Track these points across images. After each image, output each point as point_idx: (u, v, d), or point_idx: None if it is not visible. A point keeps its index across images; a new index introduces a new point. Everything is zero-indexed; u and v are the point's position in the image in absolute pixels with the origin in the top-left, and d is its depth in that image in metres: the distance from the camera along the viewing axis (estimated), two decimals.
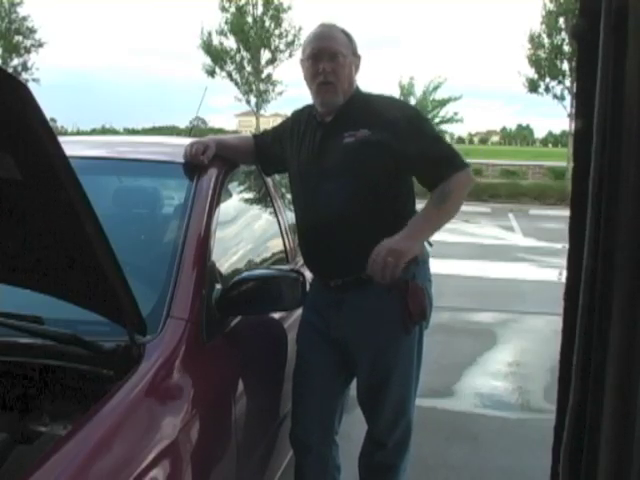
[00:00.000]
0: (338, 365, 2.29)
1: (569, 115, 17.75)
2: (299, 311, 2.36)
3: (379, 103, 2.27)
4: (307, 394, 2.29)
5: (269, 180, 2.91)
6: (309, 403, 2.28)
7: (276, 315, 2.39)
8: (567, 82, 18.15)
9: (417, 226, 2.09)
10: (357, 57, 2.30)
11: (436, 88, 21.08)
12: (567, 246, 0.80)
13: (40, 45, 21.78)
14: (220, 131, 23.58)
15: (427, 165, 2.13)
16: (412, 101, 21.18)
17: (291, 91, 20.71)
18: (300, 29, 19.82)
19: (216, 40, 20.12)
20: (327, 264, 2.24)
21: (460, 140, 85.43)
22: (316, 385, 2.27)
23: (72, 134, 21.78)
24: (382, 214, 2.13)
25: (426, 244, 2.31)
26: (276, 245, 2.79)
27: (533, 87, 18.99)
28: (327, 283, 2.24)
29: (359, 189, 2.10)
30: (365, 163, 2.12)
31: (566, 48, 17.99)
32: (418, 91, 21.39)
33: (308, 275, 2.27)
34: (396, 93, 21.32)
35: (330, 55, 2.19)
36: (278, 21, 20.00)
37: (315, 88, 2.22)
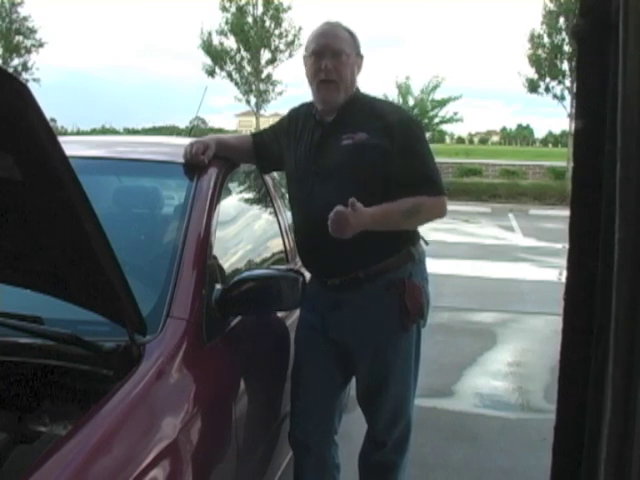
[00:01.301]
0: (337, 365, 2.29)
1: (569, 115, 17.72)
2: (299, 311, 2.36)
3: (379, 107, 2.27)
4: (306, 394, 2.29)
5: (269, 180, 2.91)
6: (308, 403, 2.28)
7: (276, 315, 2.39)
8: (567, 82, 18.13)
9: (377, 222, 2.06)
10: (360, 57, 2.30)
11: (435, 88, 21.02)
12: (567, 246, 0.80)
13: (41, 45, 21.74)
14: (220, 131, 23.57)
15: (408, 182, 2.12)
16: (410, 101, 21.11)
17: (291, 91, 20.69)
18: (300, 29, 19.82)
19: (216, 40, 20.14)
20: (323, 264, 2.24)
21: (460, 140, 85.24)
22: (315, 385, 2.27)
23: (72, 134, 21.76)
24: None
25: (422, 243, 2.32)
26: (276, 245, 2.79)
27: (533, 87, 18.95)
28: (324, 283, 2.24)
29: (354, 190, 2.09)
30: (361, 166, 2.12)
31: (566, 48, 17.97)
32: (416, 91, 21.31)
33: (308, 275, 2.27)
34: (394, 93, 21.29)
35: (333, 53, 2.19)
36: (278, 21, 19.98)
37: (316, 85, 2.22)
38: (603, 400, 0.76)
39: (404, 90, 21.23)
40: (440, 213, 2.19)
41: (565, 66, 18.29)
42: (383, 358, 2.21)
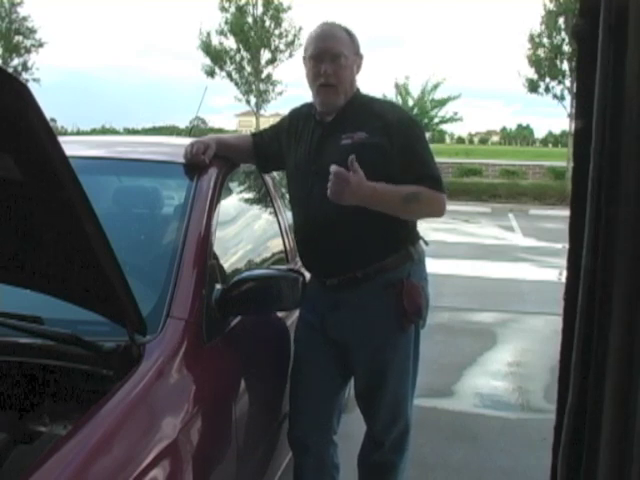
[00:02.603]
0: (336, 365, 2.29)
1: (569, 115, 17.70)
2: (299, 310, 2.36)
3: (379, 107, 2.27)
4: (305, 394, 2.29)
5: (269, 180, 2.91)
6: (307, 403, 2.28)
7: (276, 315, 2.39)
8: (567, 82, 18.12)
9: (376, 197, 2.04)
10: (359, 57, 2.29)
11: (435, 87, 21.02)
12: (567, 246, 0.80)
13: (40, 45, 21.72)
14: (220, 131, 23.53)
15: (408, 182, 2.11)
16: (410, 102, 21.10)
17: (291, 91, 20.68)
18: (300, 29, 19.81)
19: (216, 40, 20.14)
20: (322, 263, 2.24)
21: (460, 140, 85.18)
22: (314, 385, 2.28)
23: (72, 134, 21.74)
24: (376, 214, 2.12)
25: (422, 243, 2.32)
26: (276, 245, 2.79)
27: (533, 87, 18.94)
28: (323, 282, 2.24)
29: None
30: (361, 165, 2.12)
31: (566, 48, 17.95)
32: (414, 91, 21.30)
33: (308, 275, 2.27)
34: (394, 93, 21.28)
35: (332, 56, 2.18)
36: (278, 21, 19.96)
37: (316, 89, 2.22)
38: (603, 400, 0.76)
39: (403, 90, 21.22)
40: (439, 210, 2.18)
41: (565, 66, 18.28)
42: (381, 358, 2.21)
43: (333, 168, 1.98)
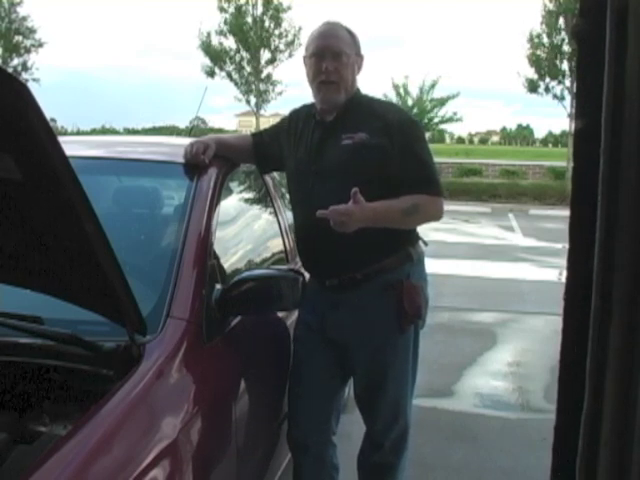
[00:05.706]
0: (335, 365, 2.29)
1: (569, 115, 17.70)
2: (298, 311, 2.35)
3: (379, 107, 2.27)
4: (304, 395, 2.29)
5: (269, 180, 2.91)
6: (306, 404, 2.28)
7: (276, 315, 2.39)
8: (567, 82, 18.13)
9: (378, 217, 2.06)
10: (360, 57, 2.30)
11: (433, 86, 21.01)
12: (567, 246, 0.80)
13: (40, 45, 21.71)
14: (220, 131, 23.51)
15: (407, 182, 2.12)
16: (409, 101, 21.11)
17: (291, 91, 20.67)
18: (300, 29, 19.82)
19: (215, 40, 20.13)
20: (322, 264, 2.24)
21: (460, 140, 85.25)
22: (313, 386, 2.27)
23: (72, 134, 21.73)
24: None
25: (421, 243, 2.32)
26: (276, 245, 2.79)
27: (533, 87, 18.94)
28: (323, 283, 2.24)
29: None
30: (361, 166, 2.13)
31: (566, 48, 17.95)
32: (413, 90, 21.29)
33: (308, 275, 2.27)
34: (393, 93, 21.29)
35: (334, 54, 2.19)
36: (278, 21, 19.96)
37: (317, 86, 2.22)
38: (603, 400, 0.76)
39: (402, 90, 21.23)
40: (437, 214, 2.19)
41: (565, 66, 18.28)
42: (381, 359, 2.21)
43: (324, 213, 1.98)
